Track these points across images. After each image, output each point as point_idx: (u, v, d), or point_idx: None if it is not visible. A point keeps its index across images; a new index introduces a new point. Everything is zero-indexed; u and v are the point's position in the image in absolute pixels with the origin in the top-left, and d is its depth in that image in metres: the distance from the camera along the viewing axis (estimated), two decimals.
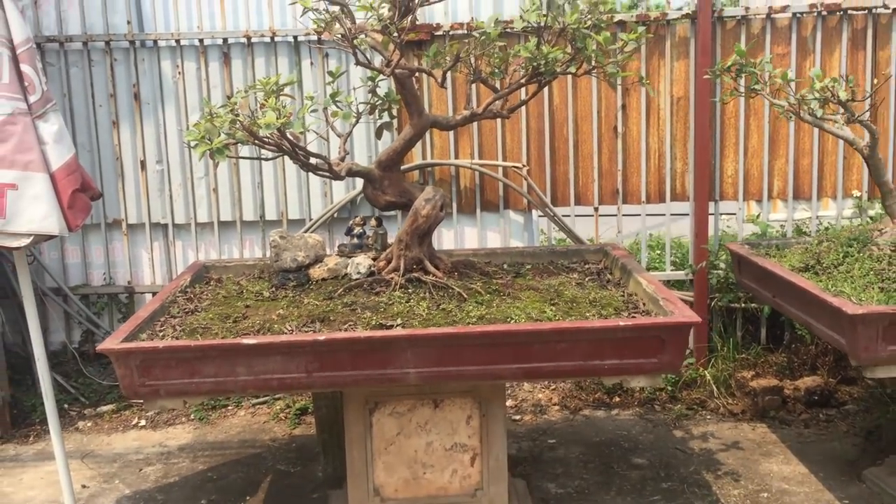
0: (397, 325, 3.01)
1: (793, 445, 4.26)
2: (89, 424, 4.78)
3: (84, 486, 4.07)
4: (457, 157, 4.98)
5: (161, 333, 3.08)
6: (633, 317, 3.13)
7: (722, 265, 4.76)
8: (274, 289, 3.53)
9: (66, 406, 4.89)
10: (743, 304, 4.92)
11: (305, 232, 4.81)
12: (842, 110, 3.68)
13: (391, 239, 3.61)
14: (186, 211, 5.06)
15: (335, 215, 4.98)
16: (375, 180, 3.44)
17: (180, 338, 3.02)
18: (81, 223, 3.47)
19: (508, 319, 3.05)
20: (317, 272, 3.57)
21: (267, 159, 3.57)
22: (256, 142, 3.11)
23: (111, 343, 2.90)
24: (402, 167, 4.18)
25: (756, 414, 4.58)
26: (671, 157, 4.93)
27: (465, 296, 3.26)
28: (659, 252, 5.76)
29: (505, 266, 3.95)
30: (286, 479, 4.12)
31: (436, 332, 2.91)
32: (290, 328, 3.03)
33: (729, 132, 4.92)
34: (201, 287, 3.75)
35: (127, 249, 5.08)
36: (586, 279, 3.71)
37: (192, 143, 3.05)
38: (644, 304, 3.28)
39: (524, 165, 4.93)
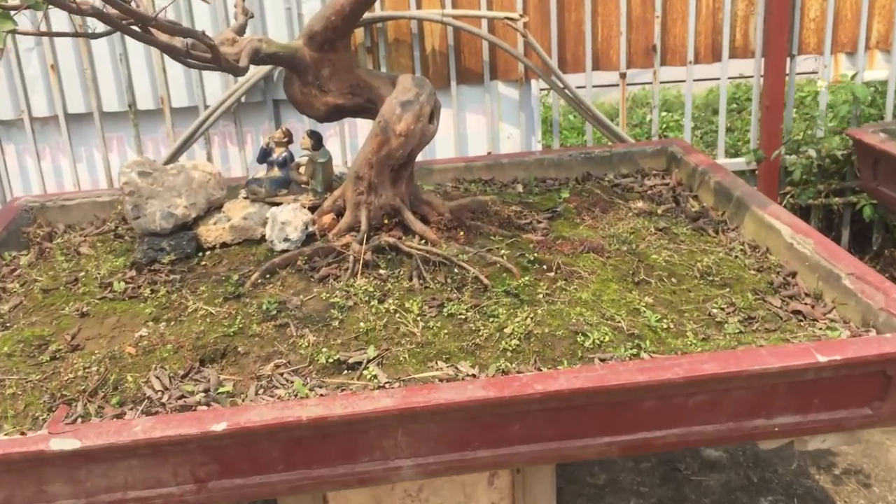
0: (367, 363, 1.54)
1: None
2: None
3: None
4: (420, 6, 3.33)
5: None
6: (800, 319, 1.70)
7: (811, 151, 3.32)
8: (135, 269, 1.98)
9: None
10: (823, 200, 3.55)
11: (203, 127, 3.20)
12: None
13: (341, 168, 2.07)
14: (13, 101, 3.35)
15: (243, 100, 3.34)
16: (306, 68, 1.84)
17: None
18: None
19: (578, 336, 1.61)
20: (212, 232, 2.03)
21: (94, 36, 1.89)
22: (55, 2, 1.49)
23: None
24: None
25: None
26: None
27: (486, 281, 1.78)
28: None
29: (520, 188, 2.47)
30: None
31: (459, 399, 1.44)
32: (159, 386, 1.52)
33: None
34: (12, 257, 2.17)
35: None
36: (660, 210, 2.26)
37: None
38: (802, 282, 1.85)
39: (520, 16, 3.30)
